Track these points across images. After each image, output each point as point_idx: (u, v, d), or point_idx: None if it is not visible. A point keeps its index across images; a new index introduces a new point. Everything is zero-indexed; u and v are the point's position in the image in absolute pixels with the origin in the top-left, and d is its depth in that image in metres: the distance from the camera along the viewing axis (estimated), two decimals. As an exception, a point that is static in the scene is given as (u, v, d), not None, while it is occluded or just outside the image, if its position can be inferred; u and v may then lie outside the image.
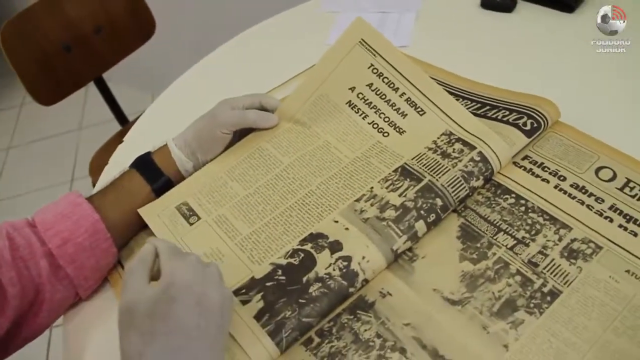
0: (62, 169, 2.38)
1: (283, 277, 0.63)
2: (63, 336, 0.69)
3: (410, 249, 0.66)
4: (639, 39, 0.87)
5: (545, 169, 0.72)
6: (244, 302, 0.61)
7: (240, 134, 0.80)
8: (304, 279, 0.62)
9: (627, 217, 0.65)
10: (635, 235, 0.63)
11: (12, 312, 0.60)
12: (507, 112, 0.76)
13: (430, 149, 0.72)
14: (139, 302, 0.50)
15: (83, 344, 0.67)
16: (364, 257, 0.62)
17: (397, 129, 0.75)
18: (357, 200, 0.69)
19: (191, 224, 0.70)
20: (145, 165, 0.74)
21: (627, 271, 0.60)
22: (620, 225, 0.64)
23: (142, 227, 0.74)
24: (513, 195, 0.69)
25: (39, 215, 0.67)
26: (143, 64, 2.01)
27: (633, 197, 0.67)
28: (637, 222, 0.64)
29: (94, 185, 1.35)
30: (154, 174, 0.74)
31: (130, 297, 0.51)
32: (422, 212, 0.66)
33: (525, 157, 0.73)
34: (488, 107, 0.79)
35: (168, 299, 0.50)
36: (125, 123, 1.68)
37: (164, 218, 0.71)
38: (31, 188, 2.33)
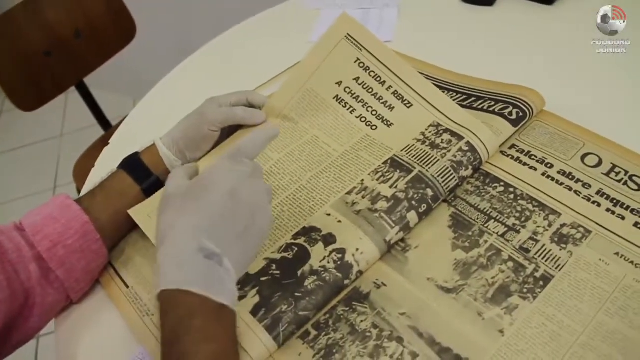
0: (45, 176, 2.36)
1: (278, 272, 0.63)
2: (55, 340, 0.68)
3: (402, 240, 0.66)
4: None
5: (533, 157, 0.72)
6: (240, 298, 0.61)
7: (228, 132, 0.80)
8: (299, 272, 0.62)
9: (614, 201, 0.66)
10: (623, 218, 0.64)
11: (1, 317, 0.59)
12: (493, 103, 0.77)
13: (418, 140, 0.73)
14: (175, 190, 0.55)
15: (75, 347, 0.66)
16: (357, 249, 0.63)
17: (385, 122, 0.76)
18: (349, 193, 0.69)
19: None
20: (133, 165, 0.74)
21: (617, 253, 0.61)
22: (607, 210, 0.65)
23: (132, 227, 0.73)
24: (502, 183, 0.70)
25: (27, 218, 0.66)
26: (125, 68, 2.00)
27: (619, 181, 0.68)
28: (624, 206, 0.65)
29: (78, 192, 1.34)
30: (143, 173, 0.73)
31: (168, 189, 0.56)
32: (413, 202, 0.66)
33: (513, 146, 0.74)
34: (474, 99, 0.80)
35: (202, 186, 0.54)
36: (108, 128, 1.66)
37: (155, 218, 0.71)
38: (14, 196, 2.31)
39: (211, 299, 0.48)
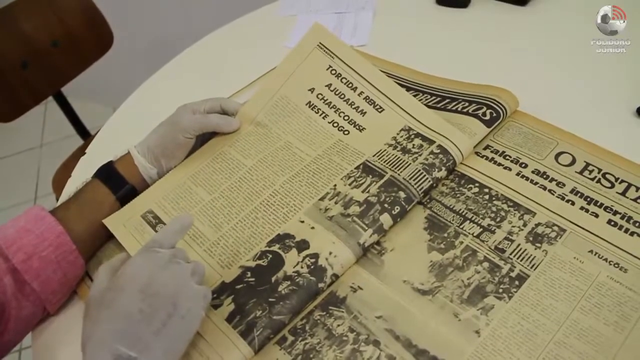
0: (25, 187, 2.34)
1: (252, 279, 0.63)
2: (32, 353, 0.67)
3: (378, 243, 0.66)
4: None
5: (507, 157, 0.73)
6: (216, 307, 0.61)
7: (202, 139, 0.79)
8: (273, 278, 0.62)
9: (588, 199, 0.67)
10: (597, 216, 0.65)
11: None
12: (467, 104, 0.78)
13: (390, 145, 0.73)
14: (93, 295, 0.54)
15: (53, 359, 0.65)
16: (331, 253, 0.63)
17: (357, 127, 0.77)
18: (322, 199, 0.69)
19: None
20: (108, 174, 0.73)
21: (591, 251, 0.61)
22: (581, 208, 0.66)
23: (108, 237, 0.73)
24: (477, 184, 0.70)
25: (0, 232, 0.65)
26: (103, 78, 1.99)
27: (592, 179, 0.69)
28: (598, 204, 0.66)
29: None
30: (118, 182, 0.73)
31: (90, 292, 0.55)
32: (386, 205, 0.66)
33: (487, 147, 0.75)
34: (448, 100, 0.80)
35: (116, 287, 0.53)
36: (87, 137, 1.65)
37: (130, 228, 0.71)
38: (-7, 209, 2.29)
39: None
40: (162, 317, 0.52)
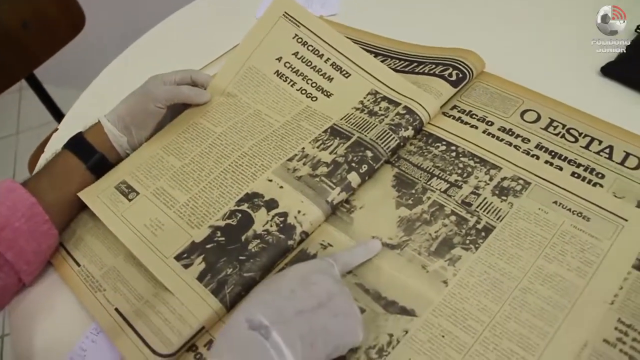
0: (2, 174, 2.32)
1: (222, 238, 0.63)
2: (10, 325, 0.68)
3: (347, 202, 0.67)
4: None
5: (474, 116, 0.74)
6: (186, 266, 0.61)
7: (173, 112, 0.80)
8: (243, 237, 0.63)
9: (552, 153, 0.68)
10: (561, 169, 0.66)
11: None
12: (434, 66, 0.79)
13: (357, 109, 0.75)
14: None
15: (30, 329, 0.66)
16: (299, 211, 0.64)
17: (325, 93, 0.78)
18: (290, 160, 0.70)
19: (130, 200, 0.70)
20: (77, 144, 0.73)
21: (555, 202, 0.63)
22: (546, 162, 0.67)
23: (82, 208, 0.73)
24: (444, 142, 0.71)
25: None
26: (78, 63, 1.97)
27: (557, 135, 0.70)
28: (562, 157, 0.67)
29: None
30: (87, 151, 0.73)
31: None
32: (353, 164, 0.67)
33: (454, 107, 0.76)
34: (415, 64, 0.81)
35: (281, 273, 0.55)
36: (63, 122, 1.64)
37: (104, 198, 0.71)
38: (-29, 197, 2.26)
39: None
40: (311, 303, 0.50)
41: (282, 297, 0.50)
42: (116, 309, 0.61)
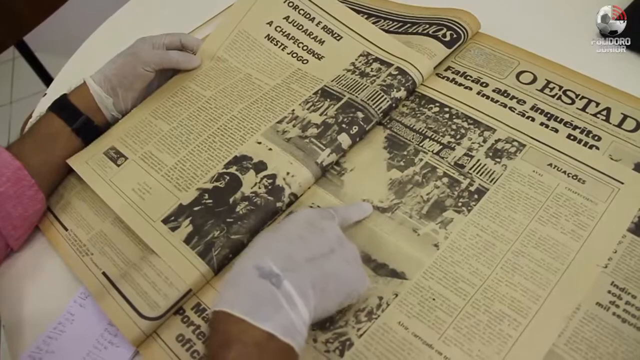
0: (-5, 144, 2.30)
1: (210, 201, 0.63)
2: (-1, 291, 0.67)
3: (338, 164, 0.66)
4: None
5: (468, 77, 0.72)
6: (174, 229, 0.61)
7: (161, 75, 0.78)
8: (231, 199, 0.62)
9: (548, 115, 0.66)
10: (556, 131, 0.65)
11: None
12: (427, 26, 0.77)
13: (348, 70, 0.73)
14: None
15: (19, 294, 0.65)
16: (288, 173, 0.63)
17: (316, 55, 0.77)
18: (279, 122, 0.69)
19: (119, 165, 0.69)
20: (62, 106, 0.72)
21: (550, 164, 0.62)
22: (541, 124, 0.66)
23: (69, 171, 0.72)
24: (437, 104, 0.70)
25: None
26: (70, 29, 1.93)
27: (553, 96, 0.69)
28: (558, 119, 0.66)
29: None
30: (72, 114, 0.71)
31: None
32: (343, 125, 0.66)
33: (448, 68, 0.74)
34: (409, 25, 0.79)
35: (287, 219, 0.52)
36: (58, 91, 1.62)
37: (93, 164, 0.70)
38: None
39: (254, 325, 0.42)
40: (323, 250, 0.48)
41: (292, 243, 0.48)
42: (103, 273, 0.60)
